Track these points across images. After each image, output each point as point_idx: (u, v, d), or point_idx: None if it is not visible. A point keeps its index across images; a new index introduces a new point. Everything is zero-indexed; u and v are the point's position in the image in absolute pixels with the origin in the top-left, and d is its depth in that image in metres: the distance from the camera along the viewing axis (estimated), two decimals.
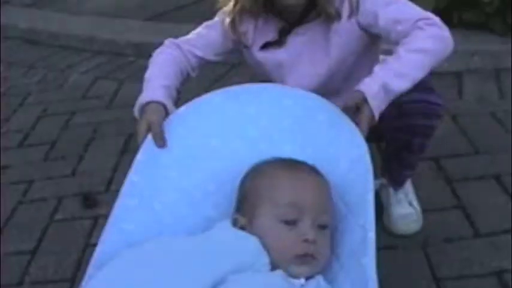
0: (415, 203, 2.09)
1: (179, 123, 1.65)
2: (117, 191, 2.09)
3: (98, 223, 2.33)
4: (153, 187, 1.58)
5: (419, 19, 1.61)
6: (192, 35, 1.88)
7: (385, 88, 1.52)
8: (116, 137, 2.97)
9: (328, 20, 1.74)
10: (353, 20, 1.74)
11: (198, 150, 1.64)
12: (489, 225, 2.06)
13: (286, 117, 1.65)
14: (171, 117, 1.65)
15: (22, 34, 4.70)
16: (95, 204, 2.45)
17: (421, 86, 1.66)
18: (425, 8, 3.29)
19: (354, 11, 1.73)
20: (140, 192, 1.56)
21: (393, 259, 1.94)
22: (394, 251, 1.99)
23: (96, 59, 4.07)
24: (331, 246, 1.45)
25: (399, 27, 1.62)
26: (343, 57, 1.79)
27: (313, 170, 1.52)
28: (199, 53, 1.85)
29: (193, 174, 1.63)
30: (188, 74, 1.86)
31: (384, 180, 2.09)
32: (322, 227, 1.44)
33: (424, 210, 2.10)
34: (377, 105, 1.51)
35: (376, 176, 1.94)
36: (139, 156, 1.61)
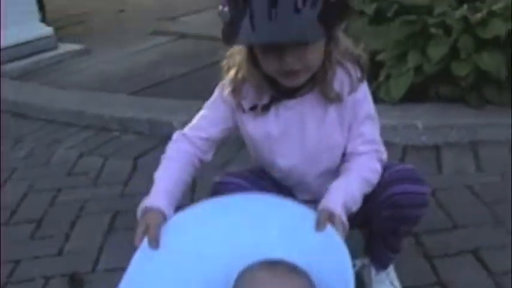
0: (396, 282, 2.14)
1: (174, 229, 1.72)
2: (104, 270, 2.13)
3: None
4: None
5: (376, 150, 1.87)
6: (195, 119, 1.95)
7: (345, 206, 1.69)
8: (102, 214, 3.02)
9: (325, 99, 1.83)
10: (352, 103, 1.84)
11: (190, 255, 1.71)
12: None
13: (273, 228, 1.71)
14: (168, 222, 1.73)
15: (10, 107, 4.76)
16: (82, 284, 2.48)
17: (411, 177, 1.86)
18: (403, 82, 3.44)
19: (352, 91, 1.83)
20: None
21: None
22: None
23: (82, 133, 4.13)
24: None
25: (359, 143, 1.85)
26: (339, 140, 1.87)
27: (293, 269, 1.58)
28: (205, 135, 1.91)
29: (185, 278, 1.68)
30: (201, 161, 1.93)
31: (366, 260, 2.14)
32: None
33: None
34: (343, 217, 1.66)
35: (358, 255, 2.01)
36: (136, 256, 1.66)
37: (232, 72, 1.86)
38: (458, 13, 3.46)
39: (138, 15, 7.27)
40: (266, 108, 1.87)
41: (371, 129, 1.89)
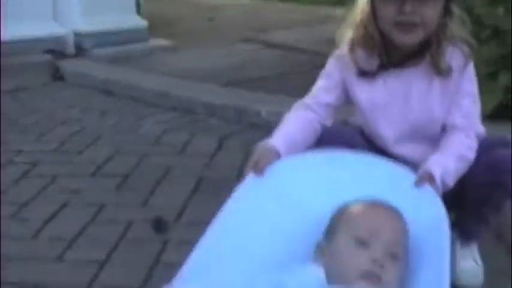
0: (478, 260, 2.16)
1: (282, 170, 1.80)
2: (187, 222, 2.20)
3: (166, 247, 2.43)
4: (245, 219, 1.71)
5: (473, 125, 1.95)
6: (313, 89, 2.04)
7: (442, 176, 1.75)
8: (187, 178, 3.11)
9: (435, 70, 1.89)
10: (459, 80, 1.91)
11: (288, 198, 1.78)
12: None
13: (373, 185, 1.77)
14: (278, 162, 1.81)
15: (97, 85, 4.94)
16: (166, 228, 2.56)
17: (509, 145, 1.90)
18: (490, 103, 3.46)
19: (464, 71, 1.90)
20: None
21: None
22: None
23: (168, 113, 4.26)
24: (402, 280, 1.53)
25: (458, 115, 1.91)
26: (437, 111, 1.93)
27: (394, 209, 1.63)
28: (322, 101, 2.01)
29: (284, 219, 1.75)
30: (322, 124, 2.00)
31: (451, 237, 2.17)
32: (394, 256, 1.53)
33: None
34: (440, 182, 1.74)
35: None
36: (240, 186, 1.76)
37: (350, 34, 1.95)
38: None
39: (227, 25, 7.46)
40: (375, 74, 1.94)
41: (470, 104, 1.95)
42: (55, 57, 5.55)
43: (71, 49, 5.86)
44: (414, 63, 1.92)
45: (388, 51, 1.92)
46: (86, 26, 5.88)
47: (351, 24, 1.96)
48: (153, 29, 6.46)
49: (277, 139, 1.87)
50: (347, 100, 2.04)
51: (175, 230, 2.58)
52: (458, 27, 1.91)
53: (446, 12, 1.85)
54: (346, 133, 2.02)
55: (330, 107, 2.03)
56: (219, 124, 4.03)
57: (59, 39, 5.80)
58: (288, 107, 2.05)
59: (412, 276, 1.55)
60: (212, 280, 1.50)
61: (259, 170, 1.78)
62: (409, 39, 1.85)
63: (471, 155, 1.91)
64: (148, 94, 4.57)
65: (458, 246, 2.15)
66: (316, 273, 1.49)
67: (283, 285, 1.47)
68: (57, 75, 5.35)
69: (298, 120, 1.99)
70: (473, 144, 1.92)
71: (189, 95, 4.38)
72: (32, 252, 2.43)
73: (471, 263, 2.14)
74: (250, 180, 1.77)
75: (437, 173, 1.74)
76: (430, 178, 1.72)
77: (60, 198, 2.90)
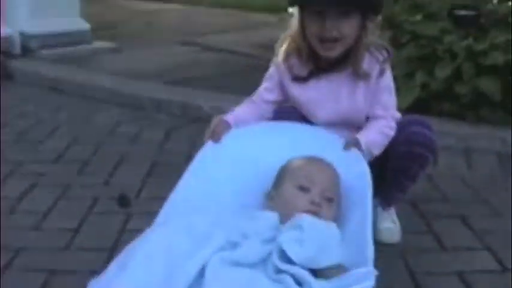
0: (395, 219, 2.62)
1: (237, 136, 2.23)
2: (147, 198, 2.56)
3: (131, 218, 2.80)
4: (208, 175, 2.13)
5: (391, 115, 2.38)
6: (258, 89, 2.46)
7: (366, 144, 2.20)
8: (142, 162, 3.49)
9: (356, 75, 2.31)
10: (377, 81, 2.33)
11: (243, 158, 2.19)
12: None
13: (312, 147, 2.18)
14: (233, 130, 2.25)
15: (47, 83, 5.25)
16: (129, 203, 2.93)
17: (427, 125, 2.40)
18: (410, 96, 3.93)
19: (380, 75, 2.33)
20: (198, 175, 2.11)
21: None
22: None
23: (117, 109, 4.62)
24: (336, 219, 1.95)
25: (377, 108, 2.35)
26: (362, 106, 2.36)
27: (328, 163, 2.06)
28: (266, 98, 2.42)
29: (238, 177, 2.16)
30: (264, 118, 2.42)
31: (374, 202, 2.61)
32: (329, 199, 1.95)
33: None
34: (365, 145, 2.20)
35: None
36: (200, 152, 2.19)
37: (285, 45, 2.38)
38: (464, 43, 4.01)
39: (164, 29, 7.82)
40: (306, 79, 2.37)
41: (388, 98, 2.38)
42: (3, 57, 5.80)
43: (17, 49, 6.12)
44: (340, 70, 2.34)
45: (316, 60, 2.34)
46: (32, 27, 6.14)
47: (285, 37, 2.38)
48: (96, 32, 6.76)
49: (229, 116, 2.31)
50: (286, 98, 2.46)
51: (137, 204, 2.95)
52: (374, 37, 2.34)
53: (362, 27, 2.26)
54: (290, 112, 2.44)
55: (271, 104, 2.44)
56: (165, 118, 4.40)
57: (5, 40, 6.04)
58: (227, 102, 2.49)
59: (344, 215, 1.98)
60: (181, 225, 1.87)
61: (216, 137, 2.20)
62: (331, 54, 2.27)
63: (391, 132, 2.35)
64: (98, 91, 4.90)
65: (380, 210, 2.60)
66: (268, 215, 1.89)
67: (240, 228, 1.82)
68: (6, 74, 5.61)
69: (245, 107, 2.42)
70: (392, 125, 2.37)
71: (137, 92, 4.75)
72: (11, 223, 2.75)
73: (390, 223, 2.60)
74: (209, 145, 2.19)
75: (362, 140, 2.19)
76: (356, 143, 2.17)
77: (29, 179, 3.22)
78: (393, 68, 4.07)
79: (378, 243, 2.49)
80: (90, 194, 3.06)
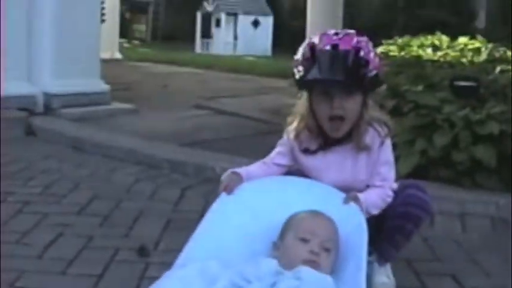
0: (391, 275, 2.86)
1: (248, 189, 2.50)
2: (164, 250, 2.81)
3: (149, 267, 3.06)
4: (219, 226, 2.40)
5: (389, 186, 2.62)
6: (272, 153, 2.73)
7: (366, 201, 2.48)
8: (159, 218, 3.76)
9: (358, 148, 2.60)
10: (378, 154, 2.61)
11: (254, 208, 2.46)
12: None
13: (314, 200, 2.45)
14: (245, 183, 2.52)
15: (70, 142, 5.56)
16: (148, 254, 3.19)
17: (423, 189, 2.67)
18: (410, 162, 4.20)
19: (381, 148, 2.61)
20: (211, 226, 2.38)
21: None
22: None
23: (135, 167, 4.91)
24: (332, 267, 2.21)
25: (377, 179, 2.62)
26: (363, 177, 2.63)
27: (327, 217, 2.33)
28: (278, 161, 2.69)
29: (249, 226, 2.42)
30: None
31: (371, 258, 2.86)
32: (327, 250, 2.22)
33: None
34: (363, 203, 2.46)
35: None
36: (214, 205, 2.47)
37: (295, 123, 2.66)
38: (462, 113, 4.30)
39: (180, 92, 8.18)
40: (315, 151, 2.65)
41: (387, 171, 2.65)
42: (28, 114, 6.14)
43: (40, 108, 6.47)
44: (345, 143, 2.61)
45: (324, 137, 2.62)
46: (54, 87, 6.51)
47: (295, 115, 2.66)
48: (114, 93, 7.11)
49: (241, 170, 2.58)
50: (296, 164, 2.74)
51: (155, 255, 3.21)
52: (376, 112, 2.63)
53: (363, 104, 2.55)
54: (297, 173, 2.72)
55: (282, 167, 2.72)
56: (180, 178, 4.69)
57: (30, 98, 6.40)
58: (238, 165, 2.72)
59: (340, 262, 2.23)
60: (196, 268, 2.13)
61: (229, 189, 2.48)
62: (338, 134, 2.56)
63: (388, 199, 2.63)
64: (117, 151, 5.20)
65: (376, 265, 2.85)
66: (269, 262, 2.14)
67: (243, 273, 2.06)
68: (30, 131, 5.94)
69: (257, 166, 2.70)
70: (390, 193, 2.64)
71: (154, 153, 5.05)
72: (39, 268, 3.01)
73: (385, 278, 2.84)
74: (223, 197, 2.46)
75: (361, 197, 2.46)
76: (355, 198, 2.44)
77: (55, 230, 3.49)
78: (395, 136, 4.43)
79: None
80: (111, 245, 3.32)
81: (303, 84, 2.54)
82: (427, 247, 3.46)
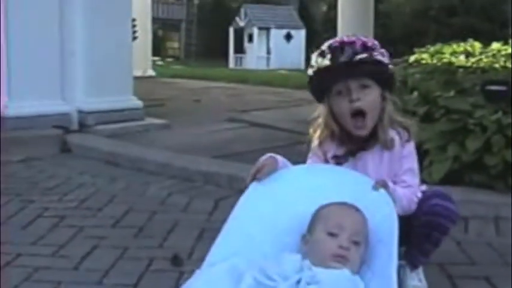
0: (422, 279, 2.86)
1: (278, 178, 2.49)
2: (198, 259, 2.87)
3: (183, 276, 3.09)
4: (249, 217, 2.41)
5: (413, 192, 2.62)
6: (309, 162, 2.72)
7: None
8: (193, 229, 3.80)
9: (383, 148, 2.61)
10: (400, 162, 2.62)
11: (284, 199, 2.46)
12: None
13: (344, 189, 2.45)
14: (276, 172, 2.50)
15: (103, 156, 5.65)
16: (182, 263, 3.23)
17: (449, 198, 2.66)
18: (443, 168, 4.18)
19: (403, 143, 2.62)
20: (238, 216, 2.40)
21: None
22: None
23: (169, 181, 4.97)
24: (362, 259, 2.21)
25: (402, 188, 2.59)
26: (388, 175, 2.63)
27: (356, 208, 2.32)
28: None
29: (278, 218, 2.44)
30: None
31: (403, 262, 2.87)
32: (356, 243, 2.21)
33: None
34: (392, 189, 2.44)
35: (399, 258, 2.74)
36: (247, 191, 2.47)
37: (318, 132, 2.67)
38: (494, 117, 4.28)
39: (212, 106, 8.25)
40: (343, 158, 2.65)
41: (411, 178, 2.64)
42: (63, 132, 6.25)
43: (75, 125, 6.59)
44: (370, 147, 2.61)
45: (349, 141, 2.62)
46: (88, 105, 6.62)
47: (317, 125, 2.67)
48: (146, 109, 7.21)
49: (279, 157, 2.54)
50: None
51: (188, 264, 3.24)
52: (394, 111, 2.63)
53: (383, 99, 2.57)
54: None
55: None
56: (213, 189, 4.73)
57: (65, 116, 6.52)
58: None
59: (371, 253, 2.23)
60: (225, 267, 2.15)
61: (261, 173, 2.45)
62: (362, 132, 2.55)
63: (413, 203, 2.62)
64: (151, 165, 5.27)
65: (408, 270, 2.85)
66: (292, 258, 2.14)
67: (266, 271, 2.05)
68: (65, 148, 6.04)
69: None
70: (415, 199, 2.64)
71: (187, 166, 5.10)
72: (75, 279, 3.06)
73: (417, 282, 2.84)
74: (252, 187, 2.46)
75: (390, 183, 2.44)
76: (384, 184, 2.41)
77: (90, 242, 3.55)
78: (427, 142, 4.43)
79: None
80: (146, 255, 3.37)
81: (318, 88, 2.57)
82: (460, 251, 3.45)
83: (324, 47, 2.53)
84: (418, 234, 2.70)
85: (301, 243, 2.29)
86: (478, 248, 3.49)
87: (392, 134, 2.59)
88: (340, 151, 2.63)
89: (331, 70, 2.48)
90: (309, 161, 2.71)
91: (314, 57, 2.57)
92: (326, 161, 2.67)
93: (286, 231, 2.37)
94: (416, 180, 2.66)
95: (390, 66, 2.56)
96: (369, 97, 2.49)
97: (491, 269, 3.21)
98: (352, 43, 2.48)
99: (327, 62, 2.48)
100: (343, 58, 2.45)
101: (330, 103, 2.56)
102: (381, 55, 2.51)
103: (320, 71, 2.52)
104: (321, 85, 2.56)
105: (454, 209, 2.67)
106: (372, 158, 2.61)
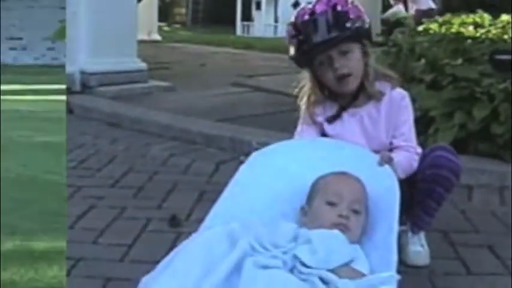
0: (425, 244, 2.80)
1: (279, 149, 2.47)
2: (196, 220, 2.81)
3: (180, 237, 3.03)
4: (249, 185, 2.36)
5: (413, 146, 2.58)
6: (299, 128, 2.66)
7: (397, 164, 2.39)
8: (192, 191, 3.74)
9: (374, 101, 2.55)
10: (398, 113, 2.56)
11: (285, 170, 2.41)
12: None
13: (346, 162, 2.39)
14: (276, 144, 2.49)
15: (105, 118, 5.59)
16: (179, 224, 3.17)
17: (452, 151, 2.61)
18: (448, 136, 4.11)
19: (392, 87, 2.57)
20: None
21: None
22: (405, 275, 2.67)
23: (170, 142, 4.91)
24: (363, 230, 2.15)
25: (401, 140, 2.56)
26: (384, 140, 2.57)
27: (355, 178, 2.26)
28: (310, 133, 2.64)
29: (278, 188, 2.38)
30: None
31: (404, 227, 2.81)
32: (356, 211, 2.15)
33: None
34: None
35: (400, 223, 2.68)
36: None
37: (305, 99, 2.62)
38: (502, 86, 4.19)
39: (218, 71, 8.17)
40: (336, 117, 2.60)
41: (408, 131, 2.59)
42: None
43: (77, 86, 6.52)
44: (362, 102, 2.56)
45: (338, 100, 2.58)
46: (91, 66, 6.54)
47: (303, 93, 2.62)
48: (151, 72, 7.13)
49: None
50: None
51: (186, 226, 3.19)
52: (380, 67, 2.61)
53: (365, 54, 2.51)
54: None
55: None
56: (215, 152, 4.68)
57: (67, 77, 6.45)
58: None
59: (372, 224, 2.18)
60: (223, 230, 2.09)
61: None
62: (348, 89, 2.51)
63: (414, 163, 2.57)
64: (152, 126, 5.21)
65: (409, 235, 2.79)
66: (287, 227, 2.07)
67: (260, 239, 1.99)
68: (67, 109, 5.97)
69: None
70: (415, 158, 2.58)
71: (189, 128, 5.03)
72: (69, 238, 3.00)
73: (419, 247, 2.78)
74: (252, 159, 2.43)
75: (394, 157, 2.38)
76: (389, 159, 2.35)
77: (88, 202, 3.50)
78: (433, 109, 4.35)
79: (407, 265, 2.71)
80: (143, 216, 3.32)
81: (299, 61, 2.53)
82: (464, 219, 3.38)
83: (298, 21, 2.46)
84: (421, 190, 2.65)
85: (300, 215, 2.23)
86: (482, 217, 3.42)
87: (379, 85, 2.55)
88: (332, 111, 2.59)
89: (307, 51, 2.44)
90: (299, 127, 2.67)
91: (287, 34, 2.52)
92: (317, 127, 2.62)
93: (286, 201, 2.32)
94: (413, 133, 2.60)
95: (365, 19, 2.49)
96: (351, 62, 2.46)
97: (494, 237, 3.14)
98: (323, 13, 2.40)
99: (302, 44, 2.43)
100: (317, 38, 2.40)
101: (314, 71, 2.53)
102: (353, 12, 2.43)
103: (297, 51, 2.48)
104: (301, 62, 2.54)
105: (457, 161, 2.62)
106: (367, 113, 2.56)
